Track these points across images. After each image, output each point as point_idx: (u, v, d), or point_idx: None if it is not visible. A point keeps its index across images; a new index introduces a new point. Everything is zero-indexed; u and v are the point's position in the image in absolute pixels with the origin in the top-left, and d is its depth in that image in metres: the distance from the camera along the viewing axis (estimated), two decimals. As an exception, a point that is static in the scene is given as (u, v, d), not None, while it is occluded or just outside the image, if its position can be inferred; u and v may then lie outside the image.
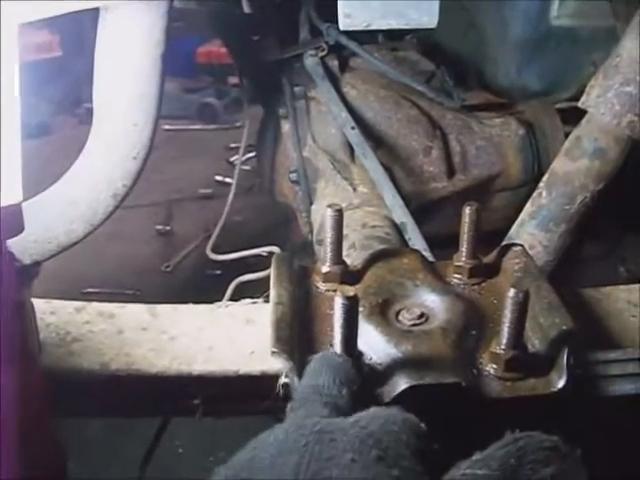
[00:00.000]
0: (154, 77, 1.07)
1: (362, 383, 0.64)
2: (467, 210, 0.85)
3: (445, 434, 0.55)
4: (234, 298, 1.21)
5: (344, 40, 1.54)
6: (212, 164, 3.17)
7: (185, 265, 2.47)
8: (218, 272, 2.24)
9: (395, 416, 0.53)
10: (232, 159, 3.06)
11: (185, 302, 0.96)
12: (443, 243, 1.01)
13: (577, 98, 1.24)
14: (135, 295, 2.20)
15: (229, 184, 2.31)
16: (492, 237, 1.24)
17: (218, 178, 2.99)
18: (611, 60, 1.16)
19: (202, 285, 2.29)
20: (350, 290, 0.69)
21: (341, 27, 1.26)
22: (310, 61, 1.57)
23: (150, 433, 1.26)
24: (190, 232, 2.63)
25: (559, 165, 1.19)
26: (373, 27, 1.21)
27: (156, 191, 2.88)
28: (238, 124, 3.43)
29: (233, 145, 3.14)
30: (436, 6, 1.16)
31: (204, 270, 2.32)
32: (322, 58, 1.58)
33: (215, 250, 2.17)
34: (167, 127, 3.54)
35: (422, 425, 0.54)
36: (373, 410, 0.55)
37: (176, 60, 3.60)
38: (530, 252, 1.14)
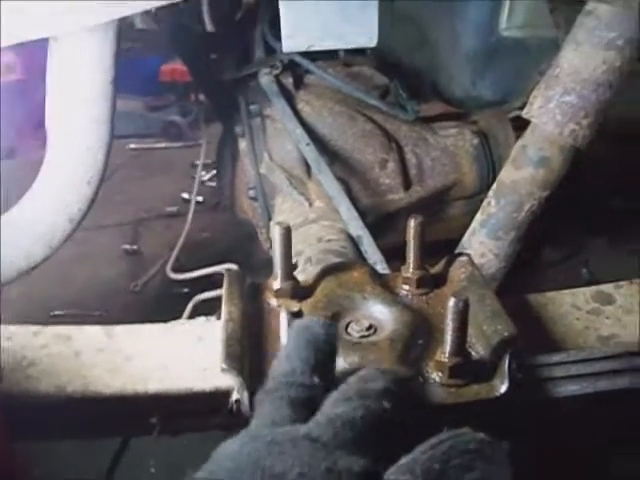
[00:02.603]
0: (105, 102, 1.09)
1: None
2: (412, 222, 0.87)
3: (392, 442, 0.57)
4: (196, 316, 1.23)
5: (297, 58, 1.56)
6: (178, 182, 3.16)
7: (153, 284, 2.46)
8: (185, 290, 2.25)
9: (354, 413, 0.54)
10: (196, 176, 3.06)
11: (153, 321, 0.97)
12: (401, 254, 1.03)
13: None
14: (102, 316, 2.19)
15: (196, 202, 2.32)
16: (449, 246, 1.27)
17: (184, 196, 2.99)
18: (552, 70, 1.19)
19: (170, 304, 2.27)
20: (295, 305, 0.71)
21: (284, 49, 1.28)
22: (265, 79, 1.59)
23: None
24: (157, 251, 2.62)
25: (506, 174, 1.22)
26: (314, 48, 1.23)
27: (122, 211, 2.87)
28: (202, 141, 3.44)
29: (198, 162, 3.14)
30: (375, 26, 1.19)
31: (172, 289, 2.31)
32: (277, 76, 1.60)
33: (182, 268, 2.18)
34: (132, 146, 3.53)
35: (387, 405, 0.56)
36: (331, 405, 0.56)
37: (140, 79, 3.62)
38: (481, 260, 1.18)
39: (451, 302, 0.72)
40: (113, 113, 1.11)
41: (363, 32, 1.16)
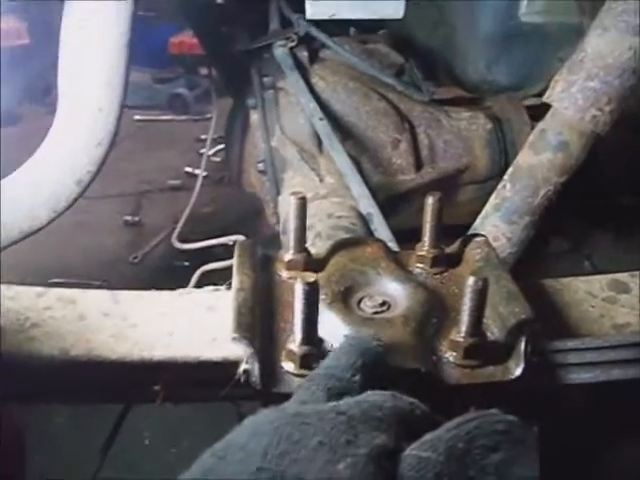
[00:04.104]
0: (120, 65, 1.07)
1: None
2: (430, 200, 0.86)
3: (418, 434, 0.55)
4: (201, 287, 1.21)
5: (314, 31, 1.54)
6: (182, 155, 3.15)
7: (153, 256, 2.46)
8: (186, 263, 2.23)
9: (384, 401, 0.52)
10: (202, 150, 3.05)
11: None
12: (410, 235, 1.01)
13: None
14: (101, 286, 2.17)
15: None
16: (460, 230, 1.25)
17: (188, 169, 2.98)
18: (576, 55, 1.17)
19: (170, 276, 2.27)
20: (311, 276, 0.69)
21: (307, 16, 1.26)
22: (279, 51, 1.57)
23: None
24: (159, 223, 2.61)
25: (523, 158, 1.20)
26: (339, 17, 1.21)
27: (125, 182, 2.86)
28: (209, 115, 3.41)
29: (203, 136, 3.12)
30: (402, -2, 1.17)
31: (172, 261, 2.31)
32: (291, 49, 1.58)
33: (185, 241, 2.17)
34: (137, 117, 3.51)
35: (418, 411, 0.53)
36: (365, 394, 0.54)
37: (148, 50, 3.59)
38: (494, 244, 1.15)
39: (470, 281, 0.71)
40: (127, 76, 1.09)
41: (390, 2, 1.13)
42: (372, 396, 0.54)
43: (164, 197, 2.86)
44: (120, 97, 1.12)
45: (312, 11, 1.18)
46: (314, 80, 1.58)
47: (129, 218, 2.66)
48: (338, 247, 0.90)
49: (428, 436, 0.48)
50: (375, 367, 0.61)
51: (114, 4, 1.05)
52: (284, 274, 0.86)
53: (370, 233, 1.25)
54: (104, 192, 2.63)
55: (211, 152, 2.84)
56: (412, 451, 0.47)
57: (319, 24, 1.52)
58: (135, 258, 2.41)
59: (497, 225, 1.20)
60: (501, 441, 0.48)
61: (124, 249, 2.49)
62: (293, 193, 0.83)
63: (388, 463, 0.47)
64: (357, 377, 0.58)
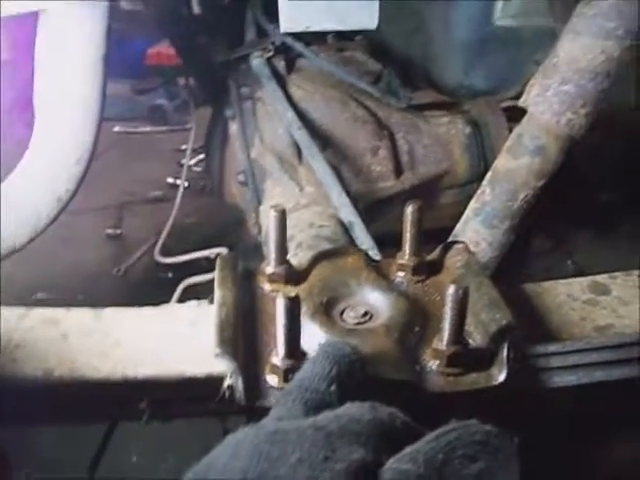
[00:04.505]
0: (96, 79, 1.07)
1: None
2: (409, 208, 0.86)
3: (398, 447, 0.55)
4: (184, 300, 1.21)
5: (290, 41, 1.54)
6: (163, 166, 3.13)
7: (137, 269, 2.44)
8: (170, 275, 2.22)
9: (362, 415, 0.53)
10: (183, 161, 3.04)
11: (136, 305, 0.95)
12: (392, 242, 1.02)
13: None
14: (86, 300, 2.16)
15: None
16: (440, 234, 1.25)
17: (169, 180, 2.96)
18: (550, 60, 1.18)
19: (154, 288, 2.26)
20: (292, 290, 0.70)
21: (281, 29, 1.26)
22: (256, 62, 1.57)
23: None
24: (141, 235, 2.59)
25: (501, 163, 1.21)
26: (313, 29, 1.21)
27: (106, 194, 2.84)
28: (189, 126, 3.40)
29: (184, 147, 3.10)
30: (376, 9, 1.17)
31: (156, 273, 2.29)
32: (268, 59, 1.58)
33: (168, 253, 2.16)
34: (117, 129, 3.49)
35: (398, 422, 0.53)
36: (344, 407, 0.54)
37: (125, 61, 3.57)
38: (475, 249, 1.17)
39: (450, 290, 0.71)
40: (104, 90, 1.09)
41: (364, 14, 1.14)
42: (351, 409, 0.54)
43: (146, 208, 2.84)
44: (97, 111, 1.12)
45: (286, 25, 1.18)
46: (292, 89, 1.58)
47: (111, 231, 2.65)
48: (319, 258, 0.90)
49: (408, 449, 0.48)
50: (351, 374, 0.61)
51: (88, 15, 1.05)
52: (266, 287, 0.86)
53: (351, 241, 1.25)
54: (85, 205, 2.61)
55: (192, 162, 2.83)
56: (392, 464, 0.47)
57: (296, 33, 1.52)
58: (119, 271, 2.40)
59: (478, 230, 1.21)
60: (480, 451, 0.48)
61: (107, 262, 2.47)
62: (272, 206, 0.83)
63: (368, 478, 0.47)
64: (333, 387, 0.59)
